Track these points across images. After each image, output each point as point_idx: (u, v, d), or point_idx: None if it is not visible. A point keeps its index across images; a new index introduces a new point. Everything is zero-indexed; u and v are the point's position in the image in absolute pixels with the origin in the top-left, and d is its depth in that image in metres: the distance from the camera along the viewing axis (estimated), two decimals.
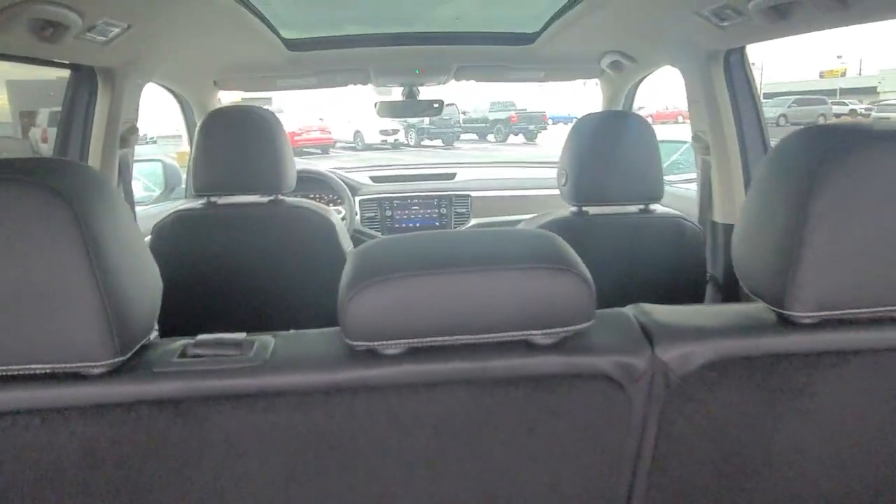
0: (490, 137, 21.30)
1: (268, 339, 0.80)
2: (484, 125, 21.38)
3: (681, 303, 0.92)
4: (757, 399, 0.81)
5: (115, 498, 0.78)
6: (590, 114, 1.70)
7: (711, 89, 1.82)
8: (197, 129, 1.72)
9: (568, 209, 1.73)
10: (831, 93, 29.74)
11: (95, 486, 0.77)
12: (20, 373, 0.70)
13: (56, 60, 1.54)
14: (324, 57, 2.25)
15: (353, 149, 19.13)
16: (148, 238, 1.83)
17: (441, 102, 2.66)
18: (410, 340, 0.75)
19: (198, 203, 1.78)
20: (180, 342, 0.79)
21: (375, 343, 0.75)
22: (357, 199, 2.97)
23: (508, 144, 20.24)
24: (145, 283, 0.78)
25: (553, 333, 0.77)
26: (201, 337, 0.79)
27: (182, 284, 1.76)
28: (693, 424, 0.83)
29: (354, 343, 0.75)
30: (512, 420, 0.79)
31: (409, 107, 2.63)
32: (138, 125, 1.96)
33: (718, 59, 1.80)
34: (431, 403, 0.77)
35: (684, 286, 1.69)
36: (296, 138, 18.37)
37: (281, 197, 1.80)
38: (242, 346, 0.78)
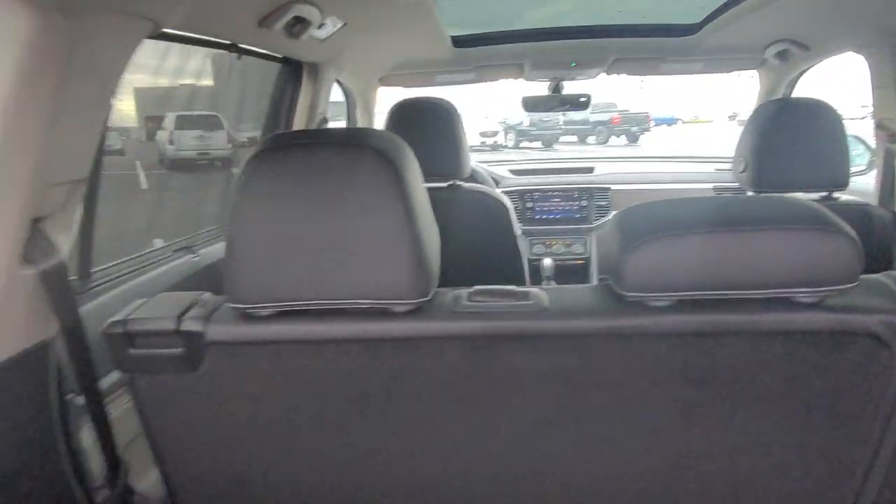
0: (591, 140, 20.91)
1: (538, 291, 0.89)
2: (585, 127, 20.98)
3: None
4: None
5: (410, 426, 0.89)
6: (770, 101, 1.70)
7: None
8: (387, 117, 1.87)
9: (746, 194, 1.73)
10: None
11: (392, 414, 0.88)
12: (345, 307, 0.82)
13: (276, 56, 1.73)
14: (485, 53, 2.36)
15: None
16: None
17: (588, 97, 2.70)
18: (679, 294, 0.81)
19: None
20: (458, 291, 0.90)
21: (646, 294, 0.82)
22: (499, 191, 3.06)
23: (610, 146, 19.80)
24: (435, 238, 0.89)
25: (817, 292, 0.80)
26: (477, 287, 0.90)
27: None
28: None
29: (627, 294, 0.82)
30: (773, 373, 0.84)
31: (558, 101, 2.69)
32: None
33: None
34: (697, 353, 0.83)
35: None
36: None
37: (458, 182, 1.91)
38: (517, 296, 0.87)
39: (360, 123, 2.70)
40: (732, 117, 23.86)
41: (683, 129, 26.70)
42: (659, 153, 3.96)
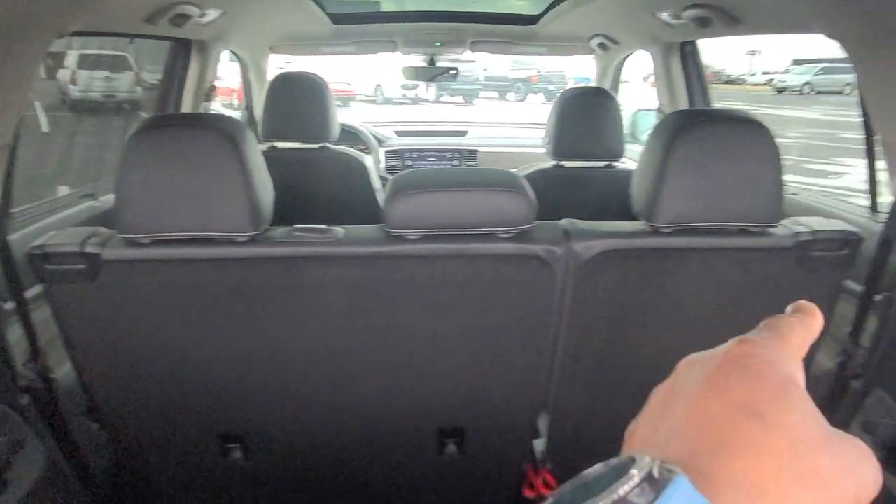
0: (510, 96, 21.41)
1: (339, 228, 1.33)
2: (504, 84, 21.44)
3: None
4: (633, 277, 1.34)
5: (246, 319, 1.32)
6: (571, 88, 2.19)
7: (670, 71, 2.29)
8: (266, 88, 2.23)
9: (550, 163, 2.23)
10: None
11: (236, 312, 1.31)
12: (200, 237, 1.24)
13: (164, 36, 2.04)
14: (361, 30, 2.73)
15: (374, 102, 19.43)
16: None
17: (457, 70, 3.14)
18: (424, 230, 1.28)
19: (263, 146, 2.30)
20: (286, 228, 1.32)
21: (404, 230, 1.28)
22: (382, 149, 3.48)
23: (528, 104, 20.38)
24: (268, 189, 1.31)
25: (509, 230, 1.29)
26: (297, 225, 1.33)
27: None
28: (595, 293, 1.35)
29: (392, 230, 1.28)
30: (484, 281, 1.32)
31: (430, 72, 3.12)
32: None
33: (675, 48, 2.26)
34: (435, 269, 1.30)
35: None
36: None
37: (327, 145, 2.31)
38: (323, 231, 1.31)
39: (255, 86, 3.02)
40: (646, 79, 24.93)
41: None
42: (521, 120, 4.48)
